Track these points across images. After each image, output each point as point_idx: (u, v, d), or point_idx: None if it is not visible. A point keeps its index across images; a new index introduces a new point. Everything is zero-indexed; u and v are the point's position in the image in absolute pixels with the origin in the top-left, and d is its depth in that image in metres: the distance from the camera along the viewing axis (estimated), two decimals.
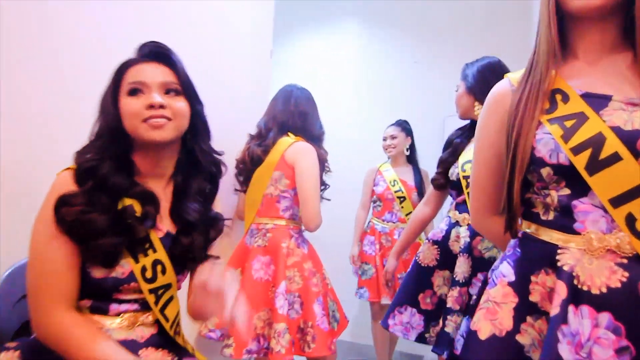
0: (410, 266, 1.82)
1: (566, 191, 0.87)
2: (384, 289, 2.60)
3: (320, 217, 1.79)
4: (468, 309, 1.57)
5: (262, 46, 2.27)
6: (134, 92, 0.96)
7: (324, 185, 1.96)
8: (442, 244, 1.75)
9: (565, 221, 0.87)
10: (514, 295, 0.89)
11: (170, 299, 1.03)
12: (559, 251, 0.86)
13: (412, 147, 2.89)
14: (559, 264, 0.85)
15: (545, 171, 0.88)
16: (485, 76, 1.70)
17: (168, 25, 1.69)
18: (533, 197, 0.93)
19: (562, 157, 0.85)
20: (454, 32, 3.50)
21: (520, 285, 0.89)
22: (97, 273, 0.93)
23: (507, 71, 1.73)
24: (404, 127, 2.88)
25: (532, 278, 0.89)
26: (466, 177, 1.70)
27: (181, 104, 1.00)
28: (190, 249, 1.03)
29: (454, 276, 1.64)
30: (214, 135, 1.79)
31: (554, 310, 0.82)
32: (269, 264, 1.80)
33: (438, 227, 1.81)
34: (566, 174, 0.86)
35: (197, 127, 1.06)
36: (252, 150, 1.88)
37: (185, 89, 1.02)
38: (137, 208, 0.97)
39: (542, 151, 0.87)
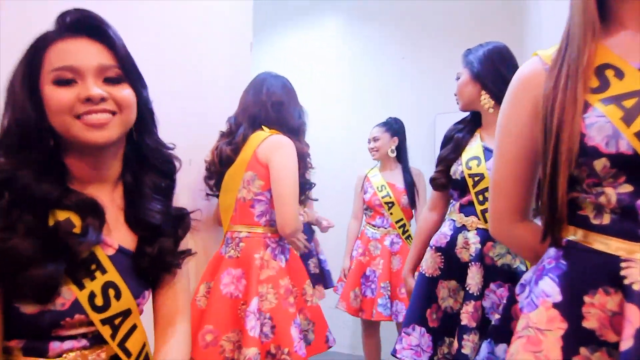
0: (417, 279, 1.64)
1: (627, 188, 0.70)
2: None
3: (297, 221, 1.57)
4: (484, 327, 1.41)
5: (242, 38, 2.09)
6: (62, 81, 0.76)
7: (308, 184, 1.76)
8: (447, 251, 1.56)
9: (627, 225, 0.69)
10: (561, 320, 0.71)
11: (133, 328, 0.84)
12: (622, 264, 0.68)
13: (400, 147, 2.69)
14: (626, 281, 0.67)
15: (600, 163, 0.70)
16: (494, 61, 1.53)
17: (145, 18, 1.52)
18: (581, 196, 0.75)
19: (624, 145, 0.67)
20: (443, 26, 3.35)
21: (570, 308, 0.71)
22: (29, 309, 0.73)
23: (514, 58, 1.58)
24: (389, 127, 2.70)
25: (586, 299, 0.71)
26: (472, 176, 1.53)
27: (126, 93, 0.80)
28: (159, 257, 0.85)
29: (467, 288, 1.45)
30: (191, 130, 1.58)
31: (626, 343, 0.63)
32: (240, 277, 1.57)
33: (440, 232, 1.63)
34: (628, 165, 0.68)
35: (144, 117, 0.87)
36: (220, 150, 1.65)
37: (128, 71, 0.82)
38: (76, 222, 0.77)
39: (596, 138, 0.70)
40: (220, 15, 1.93)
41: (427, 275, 1.58)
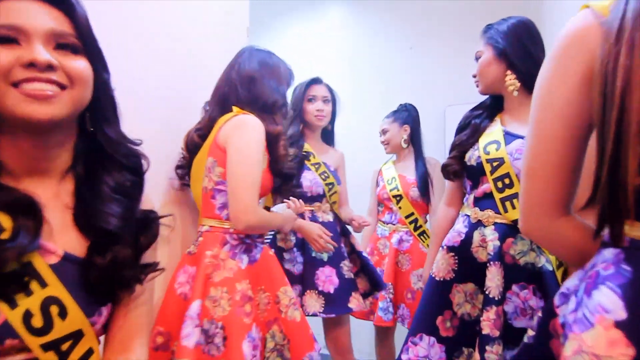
0: (426, 283, 1.48)
1: None
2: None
3: (254, 214, 1.30)
4: (506, 334, 1.25)
5: (238, 23, 1.95)
6: (1, 39, 0.62)
7: (286, 172, 1.50)
8: (461, 250, 1.41)
9: None
10: (626, 344, 0.55)
11: (88, 354, 0.69)
12: None
13: (412, 135, 2.45)
14: None
15: None
16: (520, 37, 1.38)
17: (140, 3, 1.40)
18: None
19: None
20: (453, 13, 3.19)
21: (638, 328, 0.56)
22: None
23: (540, 35, 1.42)
24: (398, 116, 2.49)
25: None
26: (491, 161, 1.37)
27: (80, 65, 0.68)
28: (112, 269, 0.70)
29: (487, 292, 1.29)
30: (190, 120, 1.43)
31: None
32: (195, 276, 1.36)
33: (453, 230, 1.47)
34: None
35: (102, 103, 0.73)
36: (188, 137, 1.49)
37: (87, 45, 0.69)
38: (5, 224, 0.63)
39: None
40: (216, 2, 1.80)
41: (437, 278, 1.42)
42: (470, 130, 1.48)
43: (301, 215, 1.92)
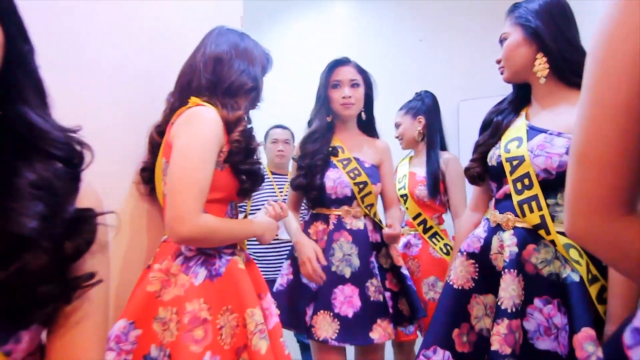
0: (442, 291, 1.33)
1: None
2: None
3: (191, 224, 1.05)
4: (525, 355, 1.09)
5: (232, 11, 1.81)
6: None
7: (249, 168, 1.21)
8: (482, 257, 1.26)
9: None
10: None
11: None
12: None
13: (429, 127, 2.16)
14: None
15: None
16: (554, 16, 1.22)
17: None
18: None
19: None
20: (465, 4, 3.01)
21: None
22: None
23: (573, 15, 1.26)
24: (410, 106, 2.25)
25: None
26: (510, 160, 1.23)
27: None
28: (19, 284, 0.55)
29: (499, 303, 1.14)
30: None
31: None
32: (132, 293, 1.18)
33: (473, 235, 1.31)
34: None
35: (17, 79, 0.59)
36: (150, 134, 1.30)
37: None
38: None
39: None
40: None
41: (455, 287, 1.27)
42: (492, 128, 1.33)
43: (325, 220, 1.70)
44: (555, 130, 1.18)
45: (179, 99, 1.24)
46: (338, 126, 1.80)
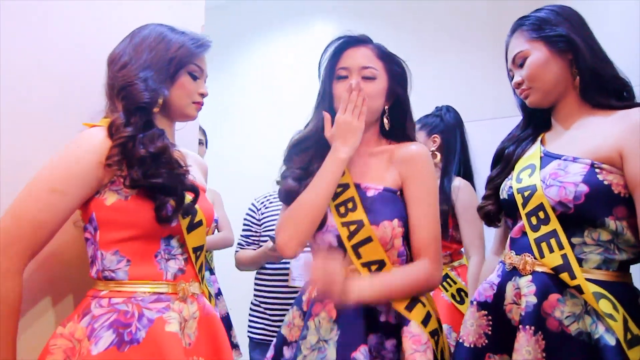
0: (454, 350, 1.11)
1: None
2: None
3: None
4: None
5: (193, 22, 1.61)
6: None
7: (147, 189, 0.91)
8: (495, 308, 1.03)
9: None
10: None
11: None
12: None
13: (444, 148, 1.84)
14: None
15: None
16: (575, 21, 1.05)
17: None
18: None
19: None
20: (450, 24, 2.89)
21: None
22: None
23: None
24: (426, 123, 1.91)
25: None
26: (522, 190, 1.02)
27: None
28: None
29: None
30: None
31: None
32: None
33: (486, 281, 1.09)
34: None
35: None
36: None
37: None
38: None
39: None
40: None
41: (466, 345, 1.05)
42: (504, 159, 1.14)
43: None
44: (570, 155, 0.98)
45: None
46: None
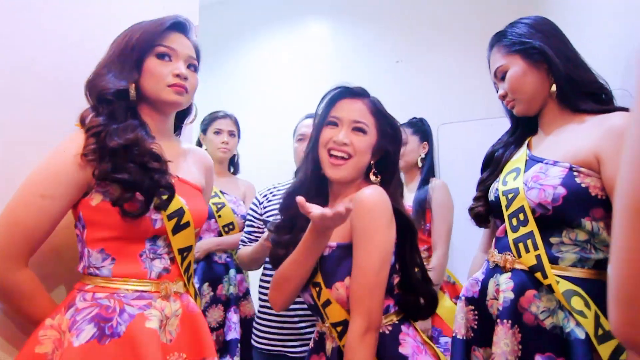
0: (452, 345, 1.17)
1: None
2: None
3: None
4: None
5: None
6: None
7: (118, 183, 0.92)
8: (479, 303, 1.10)
9: None
10: None
11: None
12: None
13: (430, 155, 2.11)
14: None
15: None
16: (549, 33, 1.10)
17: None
18: None
19: None
20: (443, 25, 2.90)
21: None
22: None
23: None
24: (418, 128, 2.16)
25: None
26: (506, 193, 1.08)
27: None
28: None
29: None
30: None
31: None
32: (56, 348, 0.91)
33: (472, 277, 1.16)
34: None
35: None
36: None
37: None
38: None
39: None
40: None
41: (459, 337, 1.12)
42: (494, 163, 1.21)
43: None
44: (551, 159, 1.03)
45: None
46: (332, 189, 1.15)
